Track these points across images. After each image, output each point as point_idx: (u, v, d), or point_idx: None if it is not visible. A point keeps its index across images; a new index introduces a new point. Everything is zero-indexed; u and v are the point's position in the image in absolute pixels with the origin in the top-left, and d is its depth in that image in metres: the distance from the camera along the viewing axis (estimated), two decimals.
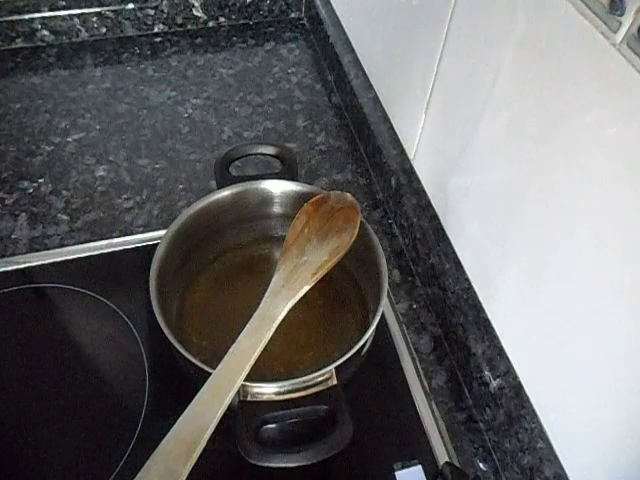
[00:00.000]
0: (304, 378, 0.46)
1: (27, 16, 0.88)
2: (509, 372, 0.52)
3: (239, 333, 0.48)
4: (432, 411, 0.56)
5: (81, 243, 0.67)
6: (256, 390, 0.46)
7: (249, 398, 0.46)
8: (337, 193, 0.59)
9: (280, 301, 0.51)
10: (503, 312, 0.53)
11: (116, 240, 0.68)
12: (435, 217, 0.63)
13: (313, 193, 0.59)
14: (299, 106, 0.86)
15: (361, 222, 0.56)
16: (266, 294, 0.52)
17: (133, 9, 0.92)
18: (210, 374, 0.45)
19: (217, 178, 0.61)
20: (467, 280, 0.58)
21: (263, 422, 0.45)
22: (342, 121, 0.85)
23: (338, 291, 0.61)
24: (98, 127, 0.81)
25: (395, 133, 0.72)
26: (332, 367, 0.47)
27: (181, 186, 0.74)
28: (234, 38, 0.97)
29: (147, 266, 0.52)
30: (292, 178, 0.61)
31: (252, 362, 0.46)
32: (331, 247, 0.54)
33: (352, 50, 0.84)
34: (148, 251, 0.54)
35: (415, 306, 0.65)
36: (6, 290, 0.62)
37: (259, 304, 0.51)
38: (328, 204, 0.58)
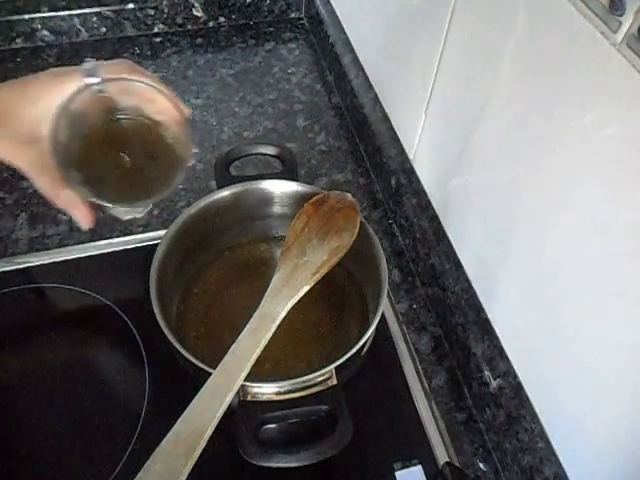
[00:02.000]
0: (304, 378, 0.46)
1: (27, 16, 0.88)
2: (509, 372, 0.52)
3: (239, 333, 0.48)
4: (432, 411, 0.56)
5: (81, 243, 0.67)
6: (256, 390, 0.46)
7: (249, 398, 0.46)
8: (337, 193, 0.59)
9: (280, 301, 0.51)
10: (503, 312, 0.53)
11: (116, 240, 0.68)
12: (435, 217, 0.63)
13: (313, 193, 0.59)
14: (299, 106, 0.86)
15: (361, 222, 0.56)
16: (266, 294, 0.52)
17: (133, 9, 0.92)
18: (210, 374, 0.45)
19: (217, 178, 0.61)
20: (467, 280, 0.58)
21: (263, 422, 0.45)
22: (342, 121, 0.85)
23: (338, 291, 0.61)
24: None
25: (395, 133, 0.72)
26: (332, 367, 0.47)
27: (181, 186, 0.74)
28: (234, 38, 0.97)
29: (147, 266, 0.52)
30: (292, 178, 0.61)
31: (252, 362, 0.46)
32: (331, 247, 0.54)
33: (352, 50, 0.84)
34: (148, 251, 0.54)
35: (415, 306, 0.65)
36: (6, 290, 0.62)
37: (259, 304, 0.51)
38: (328, 204, 0.58)
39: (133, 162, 0.45)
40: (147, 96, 0.44)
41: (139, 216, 0.52)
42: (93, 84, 0.42)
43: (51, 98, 0.40)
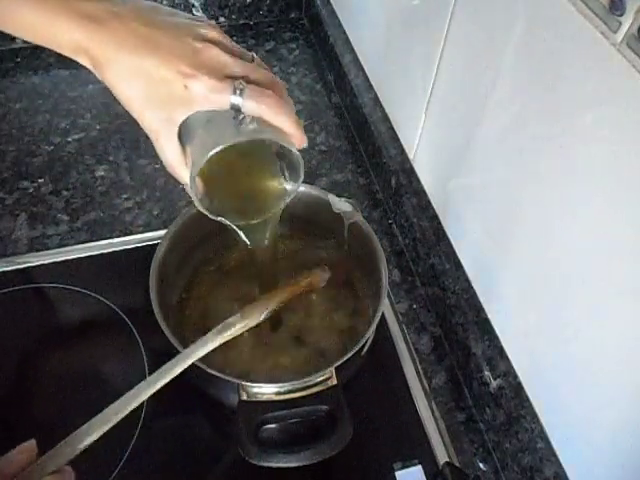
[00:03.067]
0: (304, 378, 0.46)
1: None
2: (509, 372, 0.52)
3: None
4: (432, 411, 0.56)
5: (81, 243, 0.67)
6: (256, 390, 0.46)
7: (249, 398, 0.46)
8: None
9: (202, 345, 0.45)
10: (503, 312, 0.53)
11: (116, 240, 0.68)
12: (435, 217, 0.63)
13: (313, 193, 0.59)
14: (299, 106, 0.86)
15: (361, 222, 0.56)
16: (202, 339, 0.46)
17: None
18: (210, 374, 0.45)
19: None
20: (467, 280, 0.58)
21: (263, 422, 0.45)
22: (342, 121, 0.85)
23: (338, 291, 0.60)
24: (98, 127, 0.81)
25: (395, 133, 0.72)
26: (332, 367, 0.47)
27: (181, 186, 0.74)
28: (234, 38, 0.95)
29: (147, 266, 0.52)
30: None
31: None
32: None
33: (352, 50, 0.84)
34: (148, 251, 0.54)
35: (415, 306, 0.65)
36: (6, 290, 0.62)
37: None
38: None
39: (249, 185, 0.47)
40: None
41: None
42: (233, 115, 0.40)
43: (194, 105, 0.39)
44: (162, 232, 0.56)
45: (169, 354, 0.50)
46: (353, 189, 0.76)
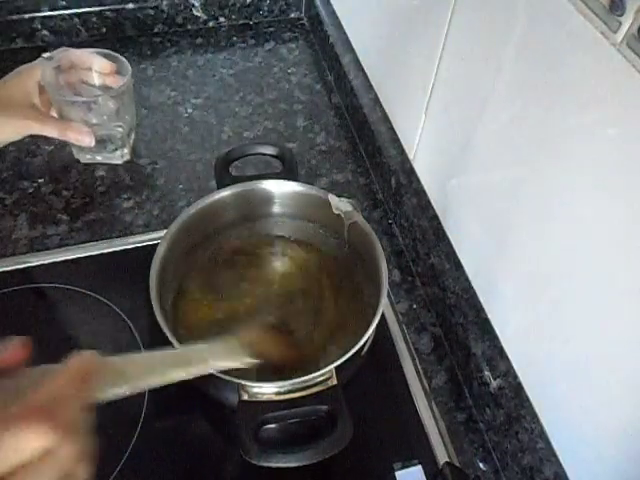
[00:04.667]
0: (304, 378, 0.46)
1: (27, 16, 0.88)
2: (509, 372, 0.52)
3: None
4: (432, 411, 0.56)
5: (81, 243, 0.67)
6: (256, 390, 0.46)
7: (249, 398, 0.46)
8: None
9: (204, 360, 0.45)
10: (503, 312, 0.53)
11: (116, 240, 0.68)
12: (435, 217, 0.63)
13: (313, 193, 0.59)
14: (299, 106, 0.86)
15: (361, 222, 0.56)
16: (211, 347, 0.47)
17: (133, 9, 0.92)
18: (210, 374, 0.45)
19: (217, 178, 0.61)
20: (467, 280, 0.58)
21: (263, 422, 0.45)
22: (342, 121, 0.85)
23: (338, 291, 0.60)
24: None
25: (395, 133, 0.72)
26: (332, 367, 0.47)
27: (181, 186, 0.74)
28: (234, 38, 0.97)
29: (147, 266, 0.52)
30: (292, 178, 0.61)
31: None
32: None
33: (352, 50, 0.84)
34: (148, 251, 0.54)
35: (415, 306, 0.65)
36: (6, 290, 0.62)
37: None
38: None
39: None
40: (86, 64, 0.65)
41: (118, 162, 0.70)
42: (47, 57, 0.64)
43: (26, 78, 0.63)
44: (162, 232, 0.56)
45: None
46: (353, 189, 0.76)
